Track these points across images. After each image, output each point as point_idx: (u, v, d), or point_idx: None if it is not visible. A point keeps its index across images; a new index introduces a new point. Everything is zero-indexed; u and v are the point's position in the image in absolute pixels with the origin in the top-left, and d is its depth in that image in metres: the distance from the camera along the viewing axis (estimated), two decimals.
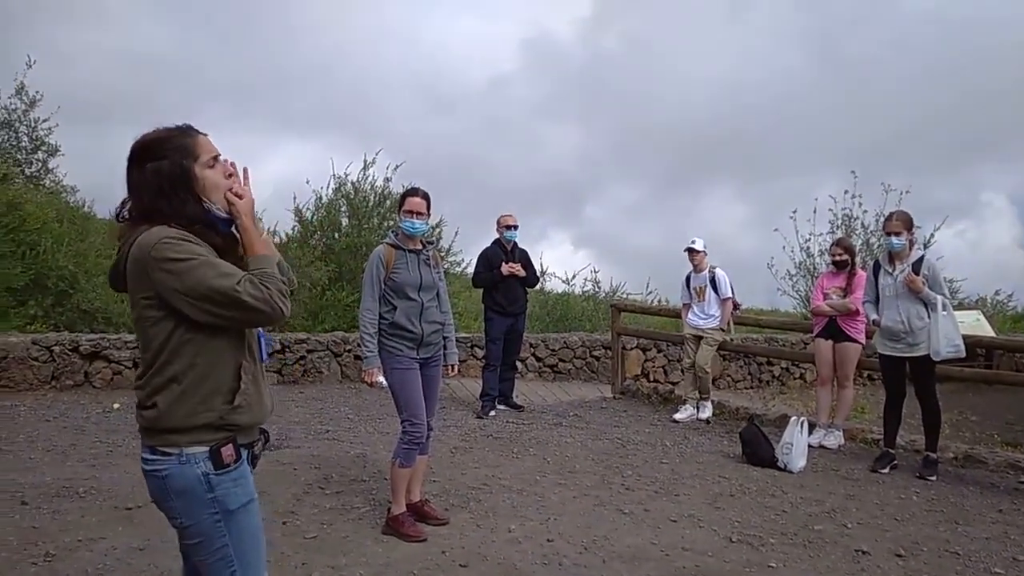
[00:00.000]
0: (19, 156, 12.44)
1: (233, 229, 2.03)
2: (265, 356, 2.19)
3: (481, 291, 8.17)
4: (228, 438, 1.97)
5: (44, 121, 12.25)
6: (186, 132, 1.99)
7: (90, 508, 4.40)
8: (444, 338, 4.48)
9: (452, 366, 4.59)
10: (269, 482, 5.05)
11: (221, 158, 2.03)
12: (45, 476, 4.98)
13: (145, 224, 1.92)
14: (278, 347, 9.05)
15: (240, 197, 2.00)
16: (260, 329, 2.15)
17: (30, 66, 11.60)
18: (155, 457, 1.94)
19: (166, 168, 1.92)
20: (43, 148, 12.63)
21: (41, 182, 12.72)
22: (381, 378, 4.28)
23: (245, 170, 2.10)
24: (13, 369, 7.79)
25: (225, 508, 1.96)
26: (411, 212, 4.33)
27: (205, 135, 2.03)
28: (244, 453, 2.04)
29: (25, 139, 12.41)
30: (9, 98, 11.79)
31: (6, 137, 12.12)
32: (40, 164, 12.77)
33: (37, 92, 11.94)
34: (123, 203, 2.02)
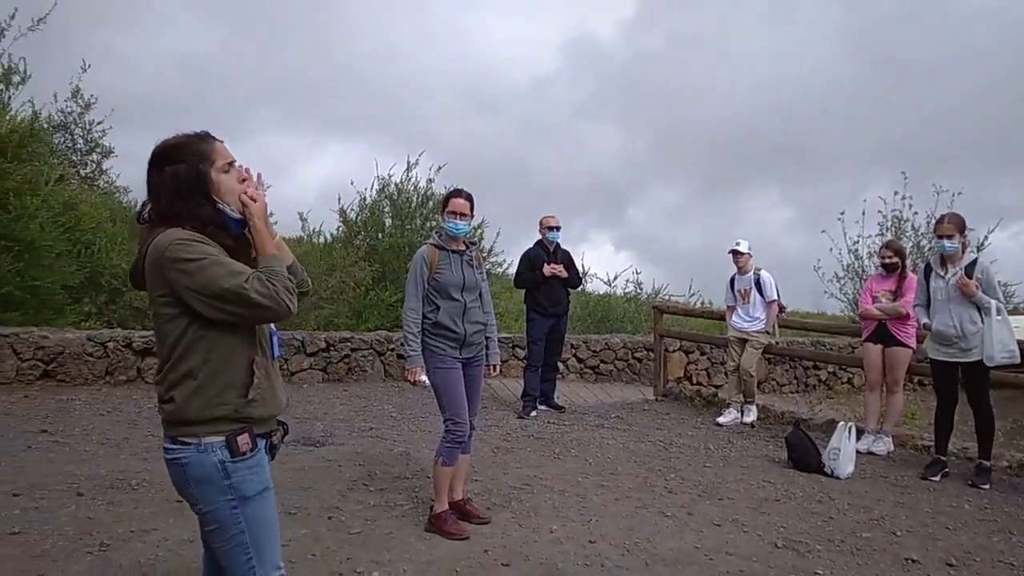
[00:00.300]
0: (74, 157, 12.77)
1: (246, 231, 2.12)
2: (277, 353, 2.27)
3: (523, 292, 8.18)
4: (243, 428, 2.07)
5: (98, 123, 12.55)
6: (203, 138, 2.10)
7: (143, 500, 4.51)
8: (486, 338, 4.51)
9: (494, 366, 4.61)
10: (315, 478, 5.13)
11: (236, 164, 2.14)
12: (100, 468, 5.12)
13: (162, 226, 2.02)
14: (320, 346, 9.17)
15: (254, 200, 2.10)
16: (273, 327, 2.24)
17: (85, 70, 11.89)
18: (175, 447, 2.05)
19: (183, 172, 2.03)
20: (97, 150, 12.94)
21: (95, 183, 13.05)
22: (424, 377, 4.31)
23: (259, 175, 2.20)
24: (69, 364, 8.02)
25: (241, 495, 2.07)
26: (454, 213, 4.36)
27: (221, 141, 2.14)
28: (261, 443, 2.15)
29: (80, 141, 12.73)
30: (65, 101, 12.11)
31: (62, 139, 12.45)
32: (94, 165, 13.09)
33: (92, 95, 12.24)
34: (143, 205, 2.13)
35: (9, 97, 10.64)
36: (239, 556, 2.09)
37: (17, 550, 3.71)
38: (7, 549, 3.71)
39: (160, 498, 4.54)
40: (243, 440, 2.06)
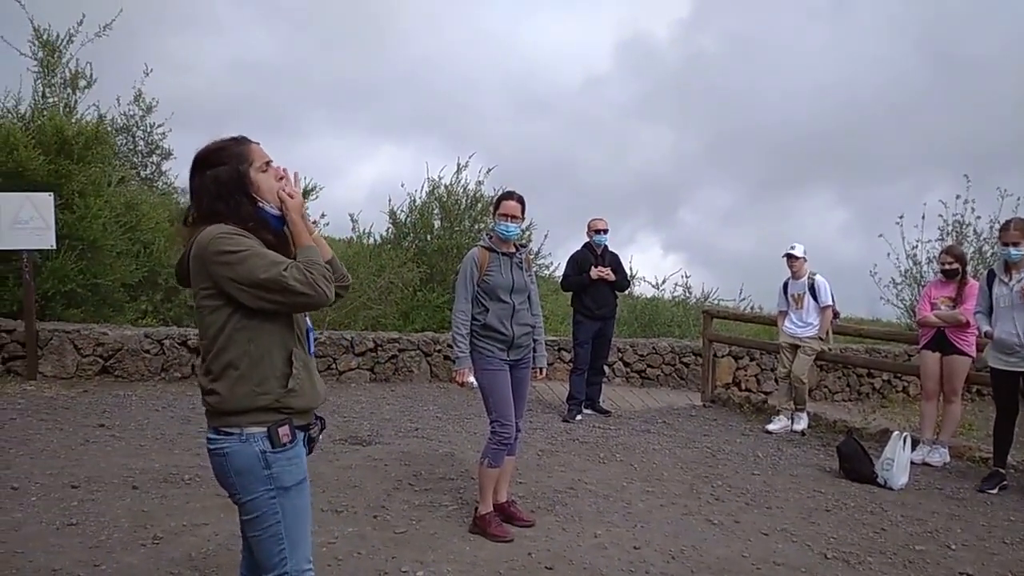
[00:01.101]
0: (135, 159, 13.15)
1: (285, 227, 2.22)
2: (312, 350, 2.33)
3: (569, 294, 8.17)
4: (284, 419, 2.14)
5: (159, 126, 12.92)
6: (241, 141, 2.21)
7: (194, 495, 4.62)
8: (534, 341, 4.50)
9: (540, 369, 4.60)
10: (361, 477, 5.19)
11: (273, 164, 2.23)
12: (154, 463, 5.26)
13: (205, 225, 2.13)
14: (368, 346, 9.27)
15: (291, 197, 2.20)
16: (309, 324, 2.32)
17: (147, 74, 12.23)
18: (218, 437, 2.13)
19: (224, 174, 2.14)
20: (157, 152, 13.32)
21: (155, 184, 13.42)
22: (472, 378, 4.34)
23: (296, 174, 2.31)
24: (127, 361, 8.25)
25: (280, 485, 2.13)
26: (506, 215, 4.38)
27: (257, 143, 2.23)
28: (300, 435, 2.22)
29: (141, 143, 13.12)
30: (128, 105, 12.48)
31: (124, 141, 12.83)
32: (154, 167, 13.48)
33: (153, 99, 12.59)
34: (188, 209, 2.25)
35: (76, 101, 11.01)
36: (273, 546, 2.15)
37: (75, 540, 3.83)
38: (65, 539, 3.84)
39: (211, 493, 4.64)
40: (284, 431, 2.12)
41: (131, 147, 13.05)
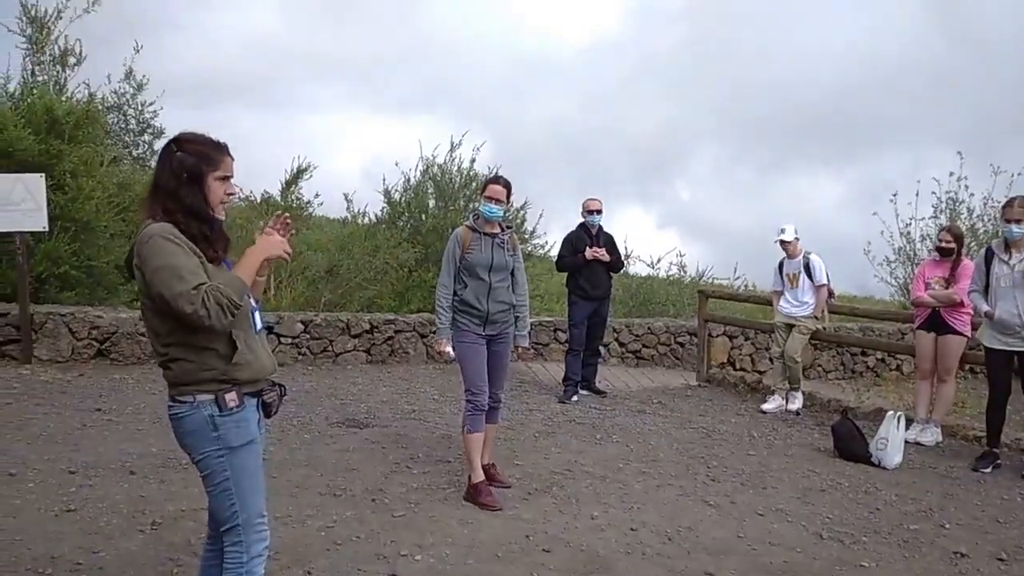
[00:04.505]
0: (127, 138, 13.01)
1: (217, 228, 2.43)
2: (259, 326, 2.56)
3: (565, 274, 8.17)
4: (231, 387, 2.38)
5: (150, 104, 12.78)
6: (219, 148, 2.44)
7: (192, 479, 4.59)
8: (516, 318, 4.72)
9: (519, 347, 4.82)
10: (359, 459, 5.21)
11: (231, 180, 2.47)
12: (151, 447, 5.26)
13: (150, 204, 2.37)
14: (364, 328, 9.26)
15: (288, 255, 2.49)
16: (253, 303, 2.54)
17: (137, 51, 12.06)
18: (174, 403, 2.40)
19: (189, 162, 2.37)
20: (149, 131, 13.17)
21: (147, 164, 13.29)
22: (450, 348, 4.63)
23: (287, 219, 2.59)
24: (122, 344, 8.22)
25: (228, 445, 2.39)
26: (491, 198, 4.63)
27: (232, 159, 2.48)
28: (251, 401, 2.46)
29: (133, 122, 12.96)
30: (119, 82, 12.31)
31: (115, 120, 12.67)
32: (146, 146, 13.33)
33: (144, 76, 12.41)
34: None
35: (66, 79, 10.88)
36: (224, 500, 2.42)
37: (73, 527, 3.84)
38: (64, 526, 3.85)
39: None
40: (230, 397, 2.37)
41: (122, 126, 12.90)
